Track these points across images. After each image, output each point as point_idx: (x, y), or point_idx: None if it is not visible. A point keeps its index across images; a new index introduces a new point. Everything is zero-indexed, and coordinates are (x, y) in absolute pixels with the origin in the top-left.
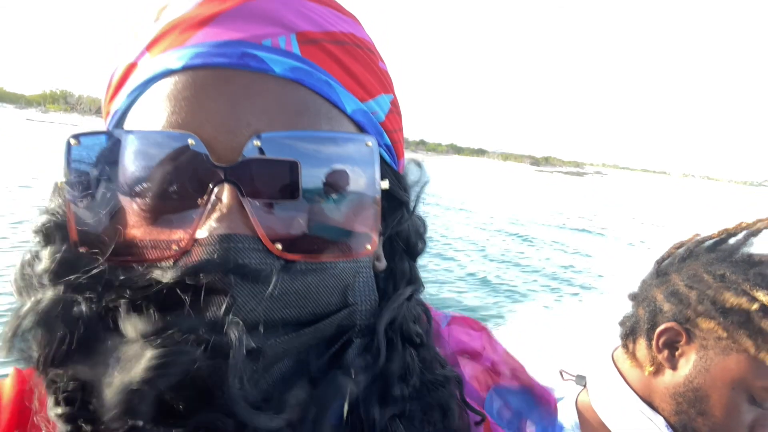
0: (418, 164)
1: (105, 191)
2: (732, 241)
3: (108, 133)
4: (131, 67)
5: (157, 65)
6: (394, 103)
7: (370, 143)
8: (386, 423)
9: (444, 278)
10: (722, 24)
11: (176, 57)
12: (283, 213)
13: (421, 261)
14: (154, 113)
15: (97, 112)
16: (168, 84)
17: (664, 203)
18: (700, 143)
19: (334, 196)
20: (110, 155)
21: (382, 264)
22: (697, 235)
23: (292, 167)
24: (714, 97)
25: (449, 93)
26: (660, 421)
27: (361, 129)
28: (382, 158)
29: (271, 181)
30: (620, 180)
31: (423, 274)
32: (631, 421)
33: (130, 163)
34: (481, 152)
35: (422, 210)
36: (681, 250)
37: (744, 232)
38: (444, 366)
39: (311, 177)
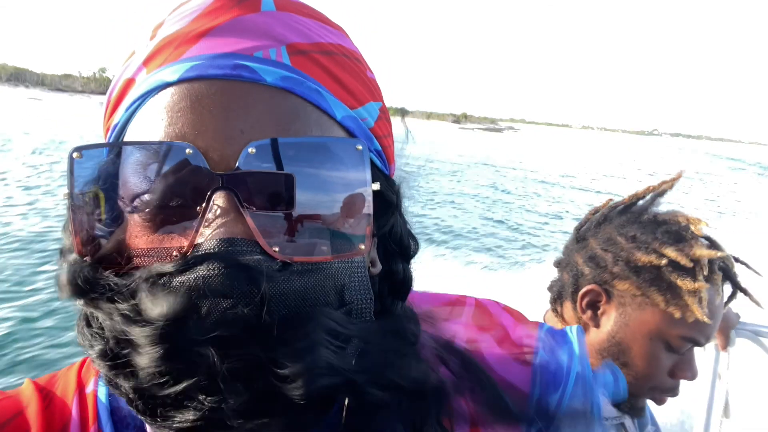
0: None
1: (106, 202)
2: (641, 203)
3: (108, 146)
4: (129, 83)
5: (154, 79)
6: (383, 110)
7: (359, 147)
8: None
9: (469, 220)
10: None
11: (172, 70)
12: (278, 217)
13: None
14: (151, 125)
15: (8, 80)
16: (164, 96)
17: (593, 154)
18: (596, 96)
19: (327, 198)
20: (111, 167)
21: (377, 268)
22: (611, 200)
23: (286, 173)
24: (607, 52)
25: (372, 52)
26: None
27: (351, 134)
28: (372, 162)
29: (267, 187)
30: (533, 134)
31: (450, 221)
32: None
33: (130, 174)
34: (404, 112)
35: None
36: (596, 216)
37: (651, 194)
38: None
39: (305, 181)
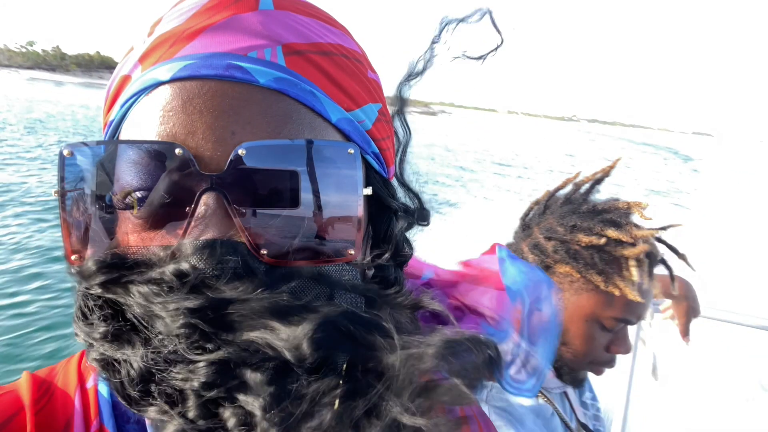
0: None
1: (96, 201)
2: (580, 190)
3: (99, 144)
4: (125, 80)
5: (148, 77)
6: (383, 112)
7: (351, 151)
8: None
9: (462, 196)
10: None
11: (165, 69)
12: (267, 219)
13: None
14: (144, 124)
15: None
16: (157, 95)
17: (527, 139)
18: (519, 82)
19: (317, 202)
20: (101, 165)
21: (371, 272)
22: (548, 191)
23: (276, 175)
24: (528, 39)
25: None
26: None
27: (347, 137)
28: (370, 165)
29: (256, 189)
30: (464, 117)
31: (445, 196)
32: None
33: (121, 173)
34: (402, 102)
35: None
36: (538, 206)
37: (589, 183)
38: None
39: (295, 184)
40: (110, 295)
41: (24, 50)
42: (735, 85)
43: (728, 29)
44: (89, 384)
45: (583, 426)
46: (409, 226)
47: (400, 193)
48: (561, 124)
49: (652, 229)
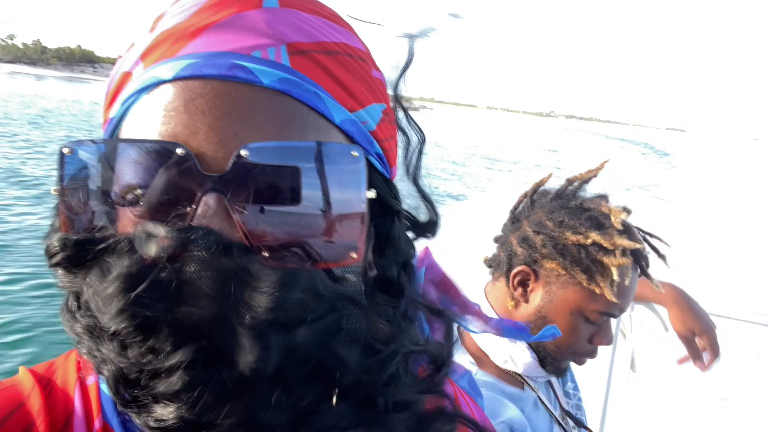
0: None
1: (96, 200)
2: (570, 188)
3: (99, 143)
4: (126, 77)
5: (149, 75)
6: (387, 112)
7: (356, 153)
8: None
9: (465, 191)
10: None
11: (167, 68)
12: (269, 221)
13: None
14: (145, 123)
15: None
16: (159, 94)
17: (511, 134)
18: (498, 78)
19: (320, 205)
20: (101, 165)
21: (373, 273)
22: (535, 184)
23: (278, 177)
24: (507, 35)
25: None
26: (522, 343)
27: (351, 138)
28: (373, 166)
29: (257, 190)
30: (445, 113)
31: (446, 188)
32: (501, 345)
33: (121, 173)
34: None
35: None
36: (526, 199)
37: (578, 181)
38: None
39: (297, 187)
40: (70, 281)
41: (4, 44)
42: (707, 81)
43: (699, 28)
44: (90, 380)
45: (567, 413)
46: (416, 238)
47: (409, 203)
48: (540, 120)
49: (636, 232)
